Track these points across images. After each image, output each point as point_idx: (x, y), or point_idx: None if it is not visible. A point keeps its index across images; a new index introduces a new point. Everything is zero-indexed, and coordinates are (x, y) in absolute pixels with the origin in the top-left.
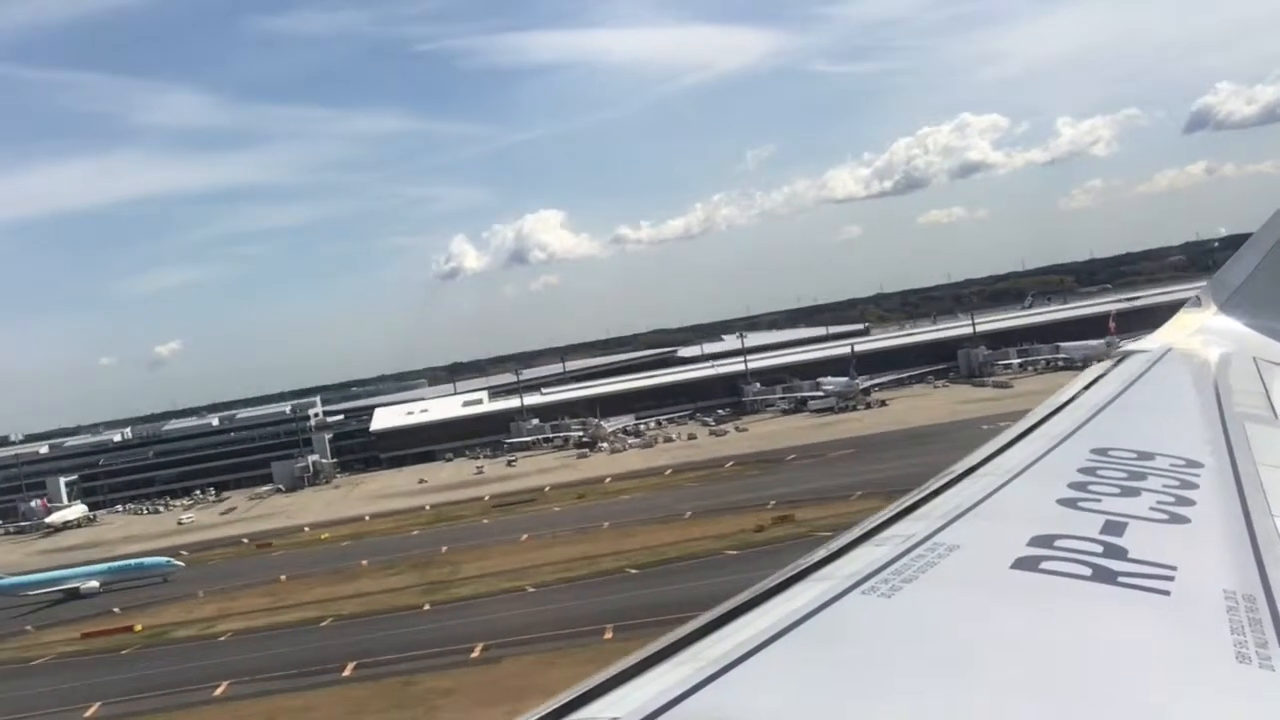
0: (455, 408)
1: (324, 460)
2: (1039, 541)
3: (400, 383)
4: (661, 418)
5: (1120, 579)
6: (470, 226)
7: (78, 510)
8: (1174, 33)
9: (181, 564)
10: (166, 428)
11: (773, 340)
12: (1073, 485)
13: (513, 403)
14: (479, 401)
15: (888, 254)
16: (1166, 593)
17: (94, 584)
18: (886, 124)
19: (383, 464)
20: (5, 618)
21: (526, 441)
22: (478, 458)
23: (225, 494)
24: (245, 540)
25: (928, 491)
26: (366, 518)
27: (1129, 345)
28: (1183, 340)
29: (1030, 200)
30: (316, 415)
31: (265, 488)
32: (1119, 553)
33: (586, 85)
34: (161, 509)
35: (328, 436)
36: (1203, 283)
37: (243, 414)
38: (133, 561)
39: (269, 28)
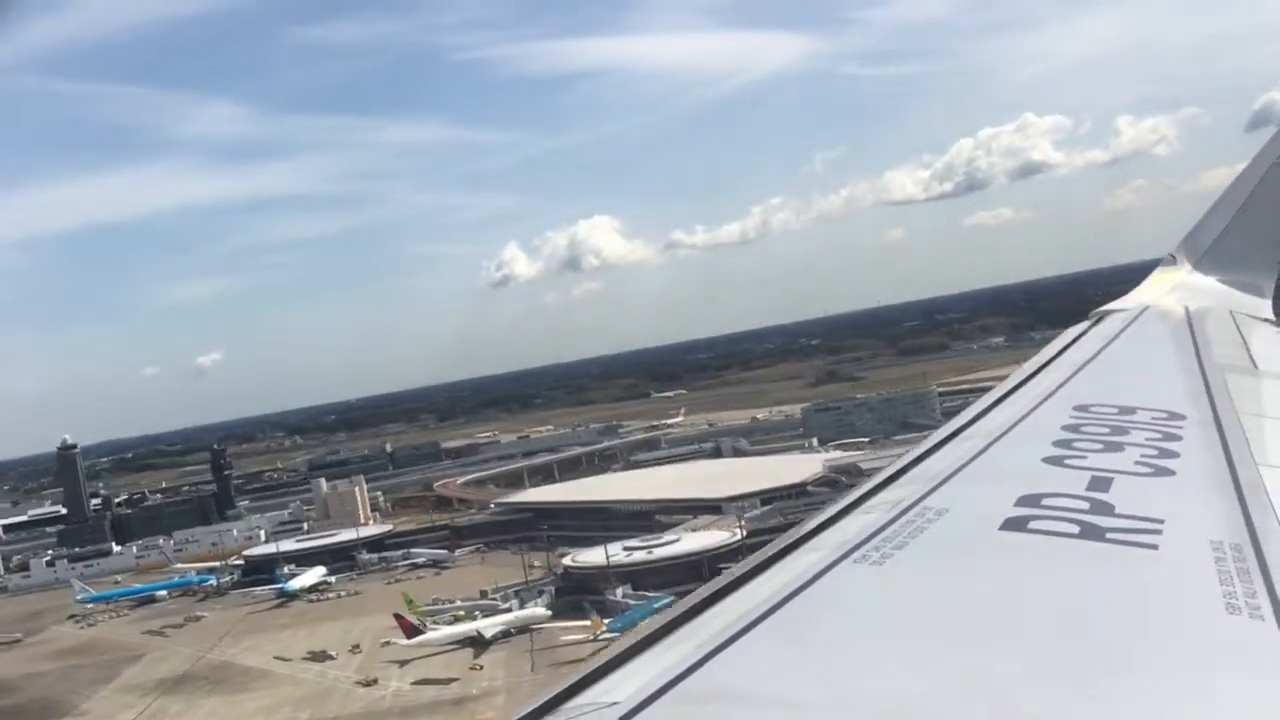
0: None
1: None
2: (1026, 501)
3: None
4: None
5: (1109, 535)
6: (512, 235)
7: None
8: (1242, 25)
9: None
10: None
11: None
12: (1057, 443)
13: None
14: None
15: (935, 258)
16: (1155, 546)
17: None
18: (932, 128)
19: None
20: None
21: None
22: None
23: None
24: None
25: (915, 456)
26: None
27: (1107, 306)
28: (1159, 298)
29: (1079, 201)
30: None
31: None
32: (1106, 508)
33: (625, 91)
34: None
35: None
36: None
37: None
38: None
39: (305, 38)
